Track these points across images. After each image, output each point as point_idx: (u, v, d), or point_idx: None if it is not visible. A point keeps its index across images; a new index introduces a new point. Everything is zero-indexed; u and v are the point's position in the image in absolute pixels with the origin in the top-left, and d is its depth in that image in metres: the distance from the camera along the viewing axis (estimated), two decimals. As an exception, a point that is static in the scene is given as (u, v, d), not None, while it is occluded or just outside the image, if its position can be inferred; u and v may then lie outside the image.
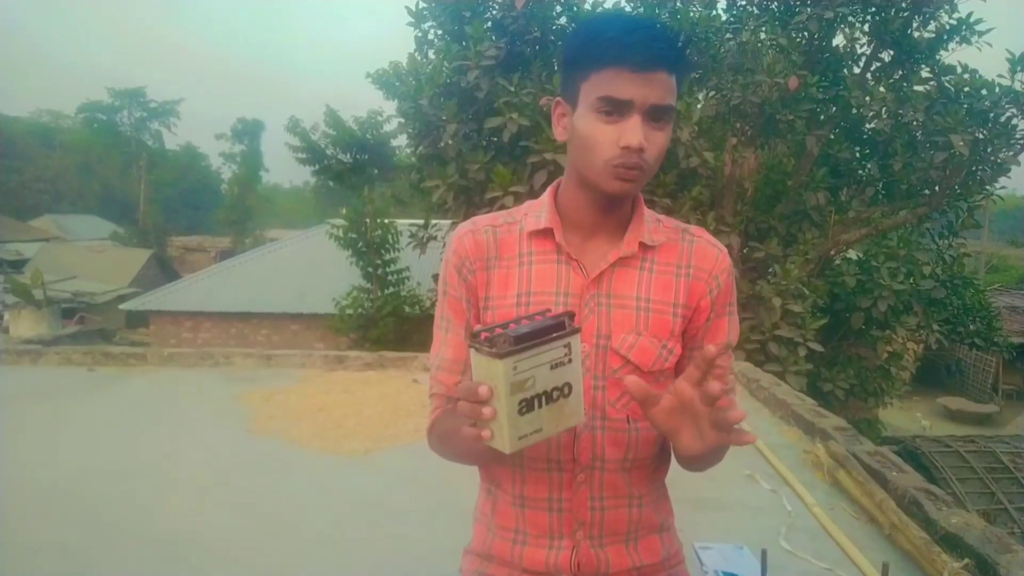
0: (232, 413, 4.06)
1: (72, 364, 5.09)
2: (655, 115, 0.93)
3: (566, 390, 0.82)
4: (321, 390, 4.50)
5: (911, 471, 2.84)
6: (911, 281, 8.00)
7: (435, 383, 1.09)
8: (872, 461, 2.94)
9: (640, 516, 1.07)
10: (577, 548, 1.04)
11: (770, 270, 8.31)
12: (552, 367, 0.80)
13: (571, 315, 0.83)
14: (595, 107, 0.93)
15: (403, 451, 3.51)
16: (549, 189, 1.09)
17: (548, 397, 0.81)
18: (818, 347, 7.30)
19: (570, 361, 0.82)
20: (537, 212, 1.06)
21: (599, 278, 1.01)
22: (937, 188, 8.10)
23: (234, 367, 5.07)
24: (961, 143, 7.09)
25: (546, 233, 1.03)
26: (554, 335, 0.80)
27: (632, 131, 0.91)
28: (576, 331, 0.82)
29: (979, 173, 7.81)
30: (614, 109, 0.92)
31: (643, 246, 1.03)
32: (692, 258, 1.04)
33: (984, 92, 7.31)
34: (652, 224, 1.06)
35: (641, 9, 8.60)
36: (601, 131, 0.93)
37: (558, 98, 1.02)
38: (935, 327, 8.99)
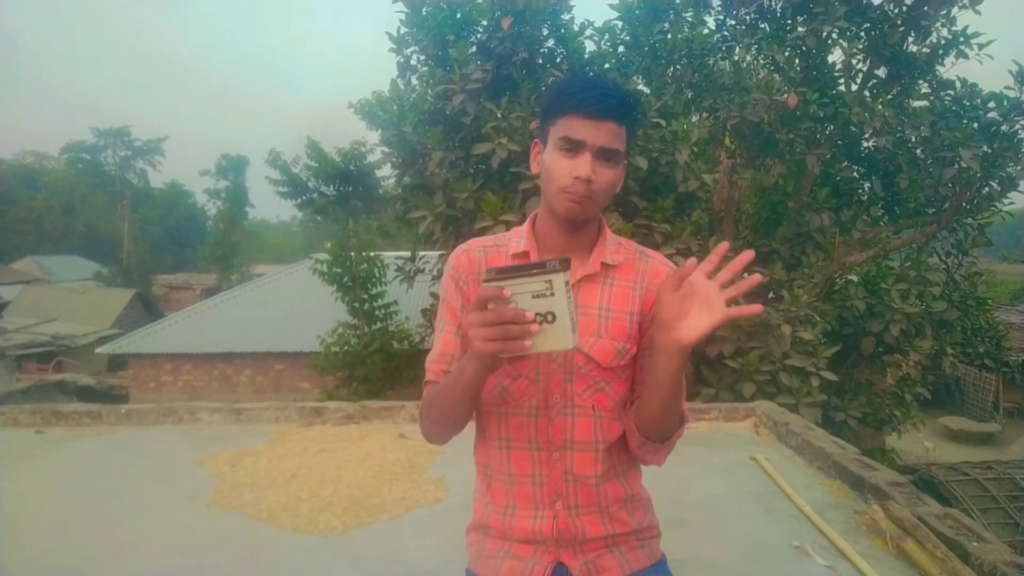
0: (192, 482, 3.55)
1: (19, 426, 4.55)
2: (605, 156, 1.16)
3: (549, 317, 0.97)
4: (295, 450, 3.98)
5: (995, 540, 2.38)
6: (922, 303, 7.63)
7: (428, 372, 1.28)
8: (943, 527, 2.48)
9: (607, 490, 1.24)
10: (557, 517, 1.22)
11: (772, 295, 7.93)
12: (534, 297, 0.96)
13: (564, 261, 0.96)
14: (558, 145, 1.17)
15: (388, 528, 3.00)
16: (529, 218, 1.32)
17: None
18: (831, 376, 6.87)
19: (552, 294, 0.95)
20: (519, 238, 1.29)
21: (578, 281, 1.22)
22: (946, 205, 7.78)
23: (199, 424, 4.53)
24: (970, 157, 6.80)
25: (524, 255, 1.26)
26: (533, 271, 0.95)
27: (583, 165, 1.14)
28: (556, 271, 0.95)
29: (987, 188, 7.51)
30: (572, 147, 1.15)
31: (605, 265, 1.24)
32: (646, 275, 1.26)
33: (992, 104, 7.04)
34: (613, 247, 1.27)
35: (627, 32, 8.35)
36: (560, 164, 1.16)
37: (536, 139, 1.27)
38: (948, 351, 8.63)
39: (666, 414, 1.16)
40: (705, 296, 1.04)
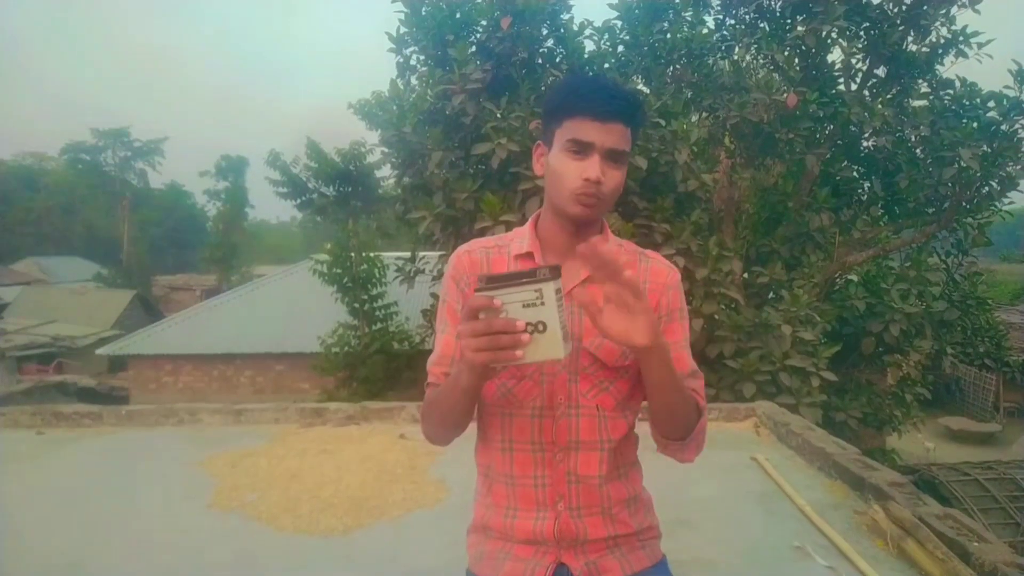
0: (193, 483, 3.54)
1: (20, 427, 4.55)
2: (612, 157, 1.16)
3: (540, 327, 0.95)
4: (295, 451, 3.98)
5: (995, 540, 2.38)
6: (922, 303, 7.63)
7: (430, 374, 1.28)
8: (944, 527, 2.48)
9: (609, 490, 1.24)
10: (558, 518, 1.21)
11: (772, 295, 7.94)
12: (524, 306, 0.94)
13: (554, 269, 0.95)
14: (565, 147, 1.16)
15: (389, 529, 3.00)
16: (531, 219, 1.31)
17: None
18: (831, 376, 6.87)
19: (542, 304, 0.94)
20: (521, 238, 1.28)
21: (572, 292, 1.16)
22: (946, 205, 7.79)
23: (200, 425, 4.52)
24: (970, 157, 6.80)
25: (528, 256, 1.26)
26: (523, 280, 0.94)
27: (592, 167, 1.14)
28: (546, 280, 0.93)
29: (987, 188, 7.51)
30: (580, 149, 1.15)
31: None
32: (648, 275, 1.27)
33: (991, 104, 7.04)
34: (615, 247, 1.27)
35: (627, 31, 8.35)
36: (568, 166, 1.16)
37: (539, 141, 1.26)
38: (948, 350, 8.63)
39: (674, 411, 1.16)
40: (616, 297, 0.99)
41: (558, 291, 0.95)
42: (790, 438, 3.91)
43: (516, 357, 0.95)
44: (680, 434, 1.19)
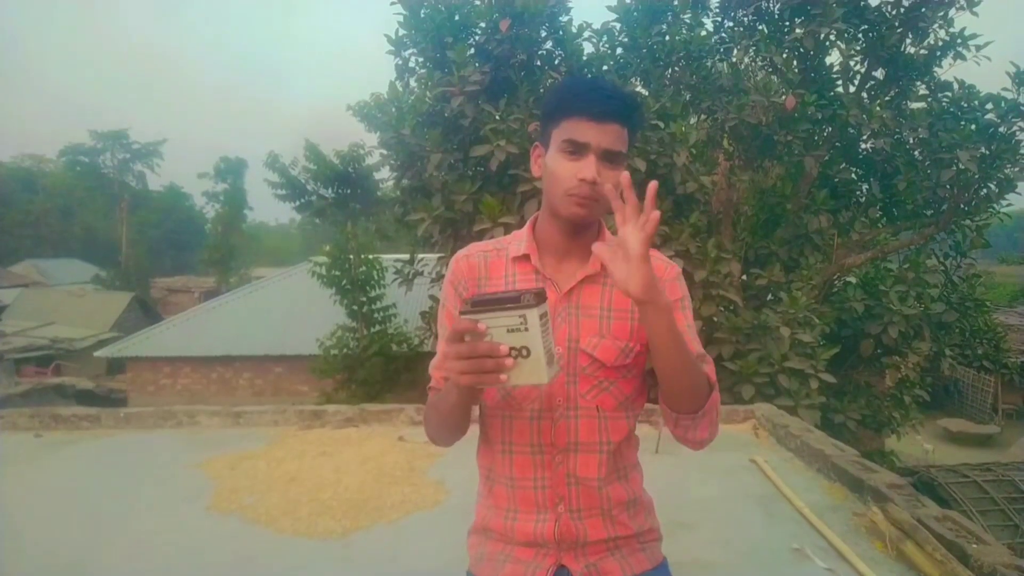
0: (191, 485, 3.54)
1: (18, 429, 4.54)
2: (608, 157, 1.16)
3: (524, 352, 0.96)
4: (294, 453, 3.99)
5: (994, 542, 2.38)
6: (921, 305, 7.64)
7: (432, 378, 1.29)
8: (943, 529, 2.48)
9: (609, 492, 1.24)
10: (559, 520, 1.21)
11: (770, 297, 7.94)
12: (508, 331, 0.95)
13: (539, 294, 0.96)
14: (561, 148, 1.17)
15: (387, 531, 3.00)
16: (529, 221, 1.32)
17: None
18: (830, 378, 6.87)
19: (526, 329, 0.95)
20: (519, 241, 1.28)
21: (569, 293, 1.23)
22: (944, 207, 7.80)
23: (199, 427, 4.52)
24: (968, 159, 6.82)
25: (525, 258, 1.26)
26: (507, 305, 0.94)
27: (587, 167, 1.14)
28: (530, 306, 0.94)
29: (985, 190, 7.53)
30: (576, 149, 1.15)
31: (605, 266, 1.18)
32: None
33: (990, 106, 7.06)
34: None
35: (625, 34, 8.36)
36: (564, 167, 1.16)
37: (537, 142, 1.26)
38: (947, 352, 8.64)
39: (680, 379, 1.11)
40: (621, 244, 1.01)
41: (543, 316, 0.96)
42: (789, 440, 3.91)
43: (500, 381, 0.96)
44: (691, 406, 1.15)
